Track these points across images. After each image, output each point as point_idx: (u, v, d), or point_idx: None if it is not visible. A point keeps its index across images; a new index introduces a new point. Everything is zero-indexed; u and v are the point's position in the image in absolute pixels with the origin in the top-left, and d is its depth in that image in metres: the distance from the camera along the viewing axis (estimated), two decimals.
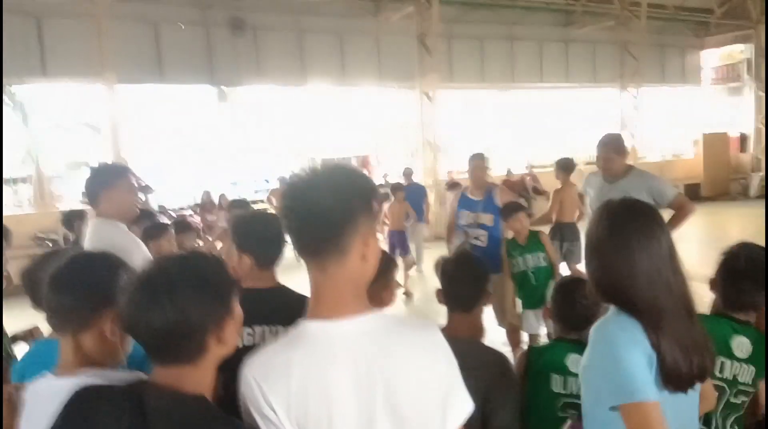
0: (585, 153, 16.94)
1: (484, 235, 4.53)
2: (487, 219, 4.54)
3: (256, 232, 2.15)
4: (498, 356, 1.93)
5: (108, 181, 2.84)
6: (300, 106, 18.46)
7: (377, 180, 12.70)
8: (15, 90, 10.80)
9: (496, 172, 15.12)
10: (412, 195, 8.94)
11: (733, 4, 17.03)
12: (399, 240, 8.28)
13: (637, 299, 1.39)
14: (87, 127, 13.75)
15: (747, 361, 1.92)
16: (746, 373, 1.92)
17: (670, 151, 18.80)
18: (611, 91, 16.27)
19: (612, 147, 4.17)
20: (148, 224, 4.14)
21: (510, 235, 4.42)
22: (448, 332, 1.94)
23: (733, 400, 1.92)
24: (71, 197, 14.59)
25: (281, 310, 1.76)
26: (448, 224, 5.02)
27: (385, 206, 8.48)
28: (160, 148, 16.85)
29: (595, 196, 4.26)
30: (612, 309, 1.46)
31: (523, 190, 14.07)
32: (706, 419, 1.88)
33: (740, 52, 18.11)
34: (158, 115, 15.67)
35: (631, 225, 1.43)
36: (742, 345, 1.92)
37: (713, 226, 12.20)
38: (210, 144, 18.32)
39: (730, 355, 1.90)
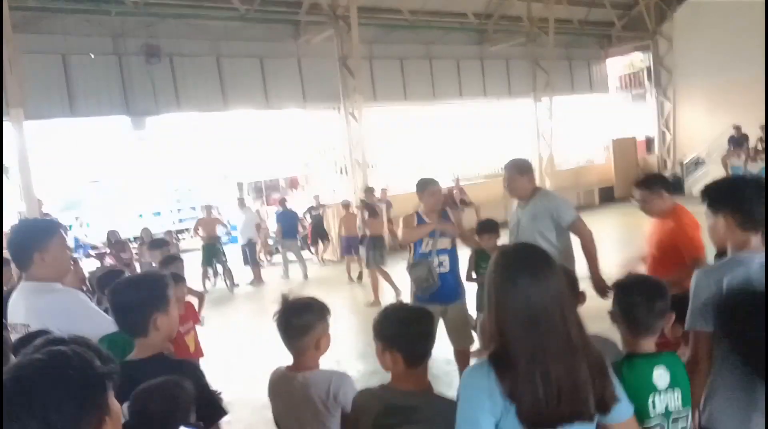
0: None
1: (446, 259, 4.43)
2: (446, 243, 4.46)
3: (118, 301, 2.00)
4: (451, 405, 1.94)
5: (40, 242, 2.51)
6: (224, 131, 18.14)
7: (308, 200, 12.66)
8: None
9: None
10: (288, 219, 11.55)
11: (631, 17, 18.28)
12: (353, 243, 10.26)
13: (511, 342, 1.49)
14: None
15: (670, 387, 2.00)
16: (674, 399, 2.01)
17: (584, 157, 19.86)
18: (526, 102, 17.00)
19: (516, 168, 4.27)
20: None
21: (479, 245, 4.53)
22: (397, 385, 1.97)
23: None
24: None
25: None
26: (402, 244, 4.86)
27: (340, 217, 10.78)
28: (74, 183, 16.03)
29: (513, 223, 4.43)
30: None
31: (452, 202, 14.40)
32: None
33: (640, 60, 19.42)
34: (71, 149, 14.93)
35: (517, 267, 1.55)
36: (661, 375, 2.00)
37: (627, 225, 12.95)
38: (129, 175, 17.64)
39: (655, 390, 1.98)
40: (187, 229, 14.69)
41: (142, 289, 2.05)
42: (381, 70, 14.56)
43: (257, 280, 11.01)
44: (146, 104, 11.69)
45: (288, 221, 11.51)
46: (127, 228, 12.74)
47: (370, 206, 9.43)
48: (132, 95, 11.51)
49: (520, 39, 15.93)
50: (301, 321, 2.07)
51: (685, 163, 17.57)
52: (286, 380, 2.15)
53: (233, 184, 20.71)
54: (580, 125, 18.82)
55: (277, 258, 13.58)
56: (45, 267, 2.54)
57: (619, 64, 19.96)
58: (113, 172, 16.86)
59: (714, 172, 15.81)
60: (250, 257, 11.17)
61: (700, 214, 4.18)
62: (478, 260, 4.54)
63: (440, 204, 4.55)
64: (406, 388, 1.90)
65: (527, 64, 16.65)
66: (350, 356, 5.93)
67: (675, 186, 18.07)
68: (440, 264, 4.45)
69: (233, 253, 11.77)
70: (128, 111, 11.63)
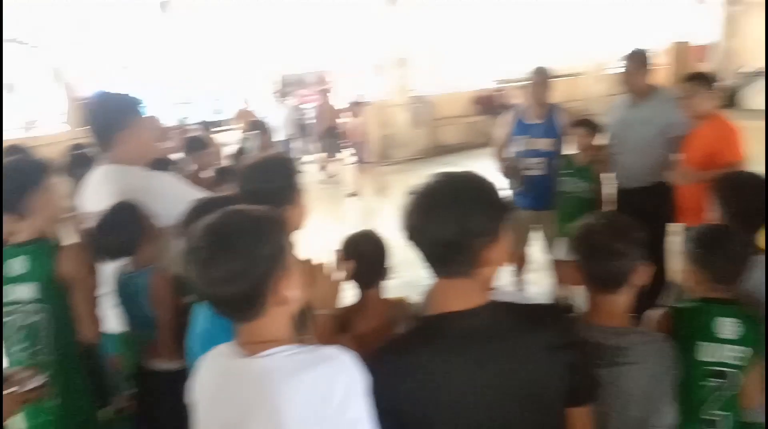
0: (555, 66, 16.53)
1: (540, 162, 4.12)
2: (544, 143, 4.12)
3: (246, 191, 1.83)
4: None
5: (124, 119, 2.31)
6: (252, 17, 17.05)
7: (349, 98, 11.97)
8: None
9: (465, 86, 14.63)
10: None
11: None
12: None
13: None
14: (14, 42, 12.18)
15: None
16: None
17: None
18: None
19: (636, 59, 3.92)
20: None
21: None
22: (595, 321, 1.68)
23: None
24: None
25: None
26: (497, 152, 4.51)
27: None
28: (100, 67, 15.34)
29: (617, 120, 4.04)
30: None
31: (489, 107, 13.60)
32: None
33: None
34: (94, 30, 14.07)
35: None
36: None
37: None
38: (156, 61, 16.82)
39: None
40: (224, 121, 14.13)
41: (271, 175, 1.84)
42: None
43: None
44: None
45: None
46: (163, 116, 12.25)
47: None
48: None
49: None
50: None
51: (744, 72, 16.39)
52: None
53: (260, 77, 19.81)
54: (634, 26, 17.39)
55: None
56: (129, 148, 2.34)
57: None
58: (143, 57, 16.09)
59: None
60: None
61: (750, 127, 3.96)
62: (562, 165, 4.14)
63: (543, 100, 4.13)
64: (608, 325, 1.58)
65: None
66: None
67: (728, 99, 16.88)
68: (532, 166, 4.13)
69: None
70: None
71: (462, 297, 1.26)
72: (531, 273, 4.68)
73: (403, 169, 10.84)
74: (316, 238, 1.94)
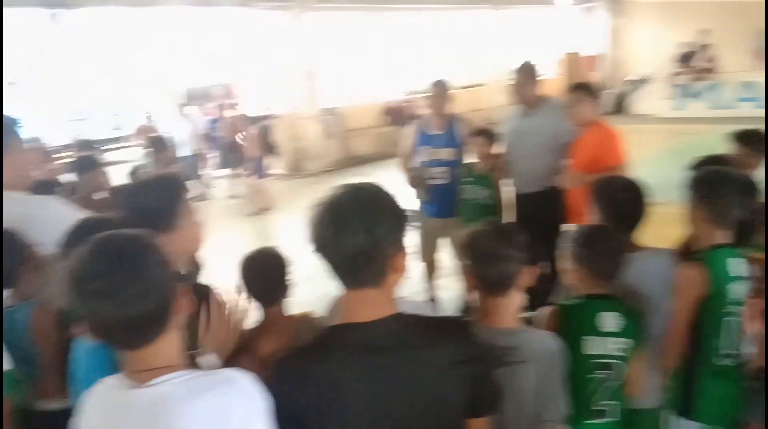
0: (459, 78, 17.16)
1: (443, 172, 4.23)
2: (446, 153, 4.24)
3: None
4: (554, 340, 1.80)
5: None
6: (152, 29, 16.40)
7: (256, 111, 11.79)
8: None
9: (375, 99, 14.81)
10: None
11: None
12: None
13: None
14: None
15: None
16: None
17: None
18: (484, 13, 16.34)
19: (525, 71, 4.14)
20: None
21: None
22: (484, 323, 1.74)
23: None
24: None
25: None
26: (402, 163, 4.60)
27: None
28: None
29: (511, 130, 4.25)
30: None
31: (406, 116, 13.89)
32: None
33: None
34: None
35: None
36: None
37: None
38: (47, 76, 15.78)
39: None
40: (121, 138, 13.46)
41: (156, 196, 1.75)
42: None
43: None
44: None
45: None
46: (54, 134, 11.52)
47: None
48: None
49: None
50: None
51: (630, 80, 17.68)
52: None
53: (165, 91, 19.08)
54: (531, 37, 18.37)
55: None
56: (7, 171, 2.18)
57: None
58: (32, 72, 15.04)
59: (657, 90, 16.06)
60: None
61: (636, 131, 4.36)
62: (463, 173, 4.33)
63: (443, 111, 4.27)
64: (498, 326, 1.65)
65: None
66: None
67: (616, 106, 18.07)
68: (436, 176, 4.26)
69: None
70: (46, 2, 10.16)
71: (369, 307, 1.27)
72: (441, 278, 4.79)
73: (316, 181, 10.82)
74: (223, 254, 1.89)
